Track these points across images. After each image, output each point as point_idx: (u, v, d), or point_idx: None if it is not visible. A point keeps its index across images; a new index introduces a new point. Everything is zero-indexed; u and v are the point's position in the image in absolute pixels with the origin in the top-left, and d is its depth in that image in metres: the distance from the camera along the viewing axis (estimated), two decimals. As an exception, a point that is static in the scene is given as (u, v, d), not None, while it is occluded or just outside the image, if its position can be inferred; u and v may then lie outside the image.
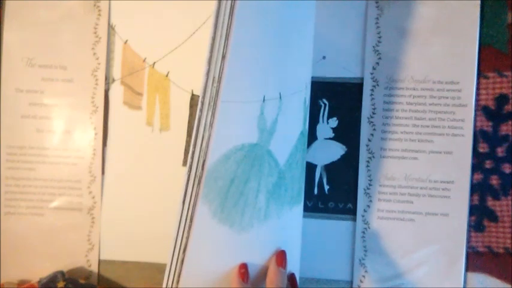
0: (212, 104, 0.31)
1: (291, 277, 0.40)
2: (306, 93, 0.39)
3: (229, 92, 0.31)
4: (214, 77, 0.31)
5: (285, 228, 0.38)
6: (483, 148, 0.46)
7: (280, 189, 0.36)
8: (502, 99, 0.46)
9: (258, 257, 0.36)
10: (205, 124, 0.32)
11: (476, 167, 0.46)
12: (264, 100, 0.34)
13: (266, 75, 0.34)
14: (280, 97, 0.35)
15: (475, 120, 0.46)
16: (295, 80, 0.37)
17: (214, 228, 0.33)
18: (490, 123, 0.46)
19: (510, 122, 0.46)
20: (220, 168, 0.33)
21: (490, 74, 0.46)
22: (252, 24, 0.32)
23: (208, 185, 0.32)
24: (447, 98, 0.46)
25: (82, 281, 0.47)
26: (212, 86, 0.31)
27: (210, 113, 0.32)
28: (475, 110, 0.46)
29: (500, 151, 0.46)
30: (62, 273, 0.47)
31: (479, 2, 0.45)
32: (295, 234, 0.40)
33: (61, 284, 0.46)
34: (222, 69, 0.31)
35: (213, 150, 0.32)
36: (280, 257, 0.36)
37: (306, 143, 0.42)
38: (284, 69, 0.35)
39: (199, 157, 0.32)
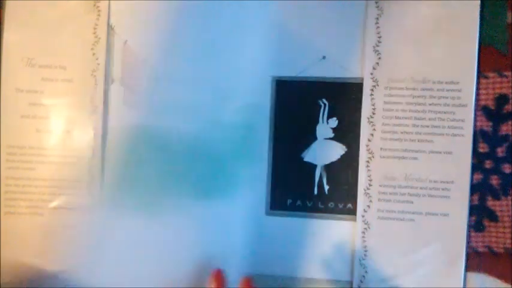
0: None
1: (244, 280, 0.43)
2: None
3: None
4: None
5: None
6: (483, 148, 0.46)
7: None
8: (502, 99, 0.46)
9: None
10: None
11: (476, 167, 0.46)
12: None
13: None
14: None
15: (475, 120, 0.46)
16: None
17: None
18: (490, 123, 0.46)
19: (510, 122, 0.46)
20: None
21: (490, 74, 0.46)
22: None
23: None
24: (447, 98, 0.46)
25: None
26: None
27: None
28: (475, 110, 0.46)
29: (500, 151, 0.46)
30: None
31: (479, 2, 0.45)
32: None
33: None
34: None
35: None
36: (216, 277, 0.43)
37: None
38: None
39: None
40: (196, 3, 0.47)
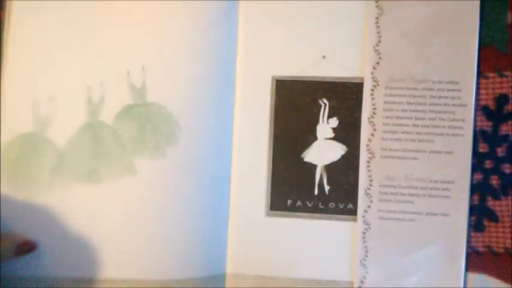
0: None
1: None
2: (89, 93, 0.46)
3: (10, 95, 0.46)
4: None
5: (72, 200, 0.46)
6: (483, 148, 0.46)
7: (62, 168, 0.46)
8: (502, 99, 0.46)
9: (49, 220, 0.46)
10: None
11: (476, 167, 0.46)
12: (34, 102, 0.46)
13: (36, 81, 0.46)
14: (52, 99, 0.46)
15: (475, 120, 0.46)
16: (71, 82, 0.46)
17: (8, 196, 0.45)
18: (490, 123, 0.46)
19: (510, 122, 0.46)
20: (7, 150, 0.46)
21: (490, 74, 0.46)
22: None
23: (2, 162, 0.46)
24: (447, 97, 0.46)
25: None
26: None
27: None
28: (475, 110, 0.46)
29: (500, 151, 0.46)
30: None
31: (478, 2, 0.45)
32: (80, 209, 0.46)
33: None
34: None
35: (2, 138, 0.46)
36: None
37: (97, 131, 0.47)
38: (55, 75, 0.46)
39: None
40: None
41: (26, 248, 0.44)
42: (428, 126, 0.46)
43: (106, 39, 0.47)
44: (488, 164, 0.46)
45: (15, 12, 0.47)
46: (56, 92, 0.47)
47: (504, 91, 0.46)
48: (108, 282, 0.46)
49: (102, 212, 0.46)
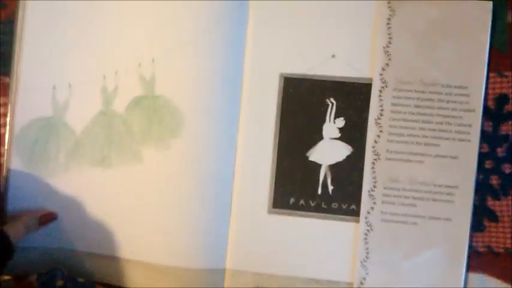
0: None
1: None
2: (104, 83, 0.47)
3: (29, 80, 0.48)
4: None
5: (86, 181, 0.48)
6: (483, 148, 0.46)
7: (78, 151, 0.47)
8: (502, 99, 0.46)
9: (63, 199, 0.48)
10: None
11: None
12: (54, 87, 0.48)
13: (55, 68, 0.48)
14: (70, 85, 0.48)
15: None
16: (88, 71, 0.48)
17: (27, 174, 0.48)
18: (490, 123, 0.46)
19: (510, 122, 0.46)
20: (25, 132, 0.48)
21: (490, 74, 0.46)
22: None
23: (18, 143, 0.48)
24: (455, 102, 0.45)
25: (81, 280, 0.46)
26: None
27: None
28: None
29: (500, 151, 0.46)
30: (60, 271, 0.46)
31: (491, 4, 0.45)
32: (92, 191, 0.48)
33: (60, 282, 0.45)
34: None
35: (18, 120, 0.48)
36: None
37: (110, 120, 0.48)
38: (73, 62, 0.48)
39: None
40: None
41: (47, 218, 0.47)
42: (435, 130, 0.46)
43: (121, 31, 0.48)
44: (488, 164, 0.46)
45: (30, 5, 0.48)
46: (74, 79, 0.48)
47: (504, 91, 0.46)
48: (113, 260, 0.48)
49: (112, 195, 0.48)
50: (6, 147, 0.48)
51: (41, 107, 0.48)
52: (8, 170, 0.48)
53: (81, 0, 0.48)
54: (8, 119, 0.48)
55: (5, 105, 0.48)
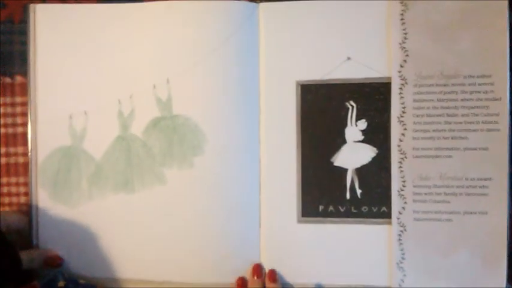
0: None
1: (270, 273, 0.47)
2: (120, 107, 0.48)
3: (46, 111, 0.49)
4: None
5: (110, 207, 0.49)
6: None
7: (100, 178, 0.48)
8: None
9: (90, 228, 0.49)
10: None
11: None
12: (70, 117, 0.49)
13: (70, 97, 0.49)
14: (86, 113, 0.48)
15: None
16: (103, 97, 0.48)
17: (53, 206, 0.49)
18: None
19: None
20: (47, 163, 0.49)
21: None
22: None
23: (42, 176, 0.49)
24: (479, 92, 0.44)
25: (82, 281, 0.47)
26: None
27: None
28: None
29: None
30: (61, 273, 0.47)
31: (508, -9, 0.43)
32: (118, 216, 0.49)
33: (61, 283, 0.46)
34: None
35: (40, 152, 0.49)
36: (255, 269, 0.47)
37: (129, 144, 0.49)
38: (87, 90, 0.48)
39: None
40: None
41: (52, 262, 0.47)
42: (461, 123, 0.44)
43: (132, 54, 0.48)
44: (525, 157, 0.44)
45: (41, 31, 0.49)
46: (90, 106, 0.49)
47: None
48: (139, 283, 0.48)
49: (137, 219, 0.48)
50: (30, 179, 0.49)
51: (60, 137, 0.49)
52: (36, 208, 0.49)
53: (91, 29, 0.48)
54: (29, 151, 0.49)
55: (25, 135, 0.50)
